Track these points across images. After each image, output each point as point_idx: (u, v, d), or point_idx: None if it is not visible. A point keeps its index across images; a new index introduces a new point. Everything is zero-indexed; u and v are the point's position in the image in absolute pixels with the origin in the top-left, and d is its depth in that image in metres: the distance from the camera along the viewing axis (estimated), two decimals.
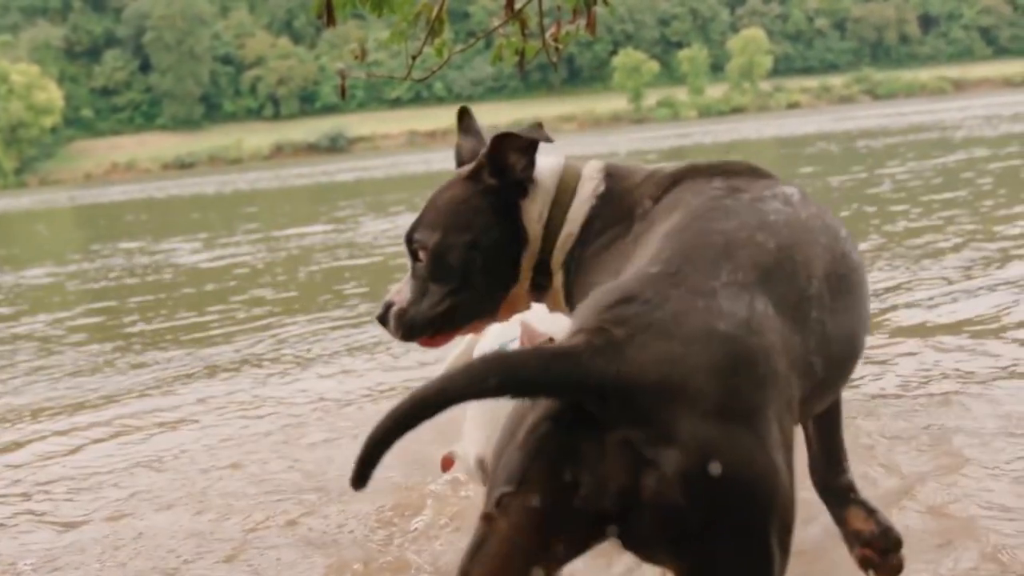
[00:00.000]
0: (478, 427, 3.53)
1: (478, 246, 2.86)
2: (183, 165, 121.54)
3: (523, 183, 2.85)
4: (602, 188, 2.81)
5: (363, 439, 1.95)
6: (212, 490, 5.16)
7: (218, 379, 7.99)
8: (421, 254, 2.94)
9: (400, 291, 3.02)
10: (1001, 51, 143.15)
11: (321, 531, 4.47)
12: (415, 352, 8.20)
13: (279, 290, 13.17)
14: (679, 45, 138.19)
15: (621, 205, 2.73)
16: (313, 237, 19.76)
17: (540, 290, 2.94)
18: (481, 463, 3.46)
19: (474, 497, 4.30)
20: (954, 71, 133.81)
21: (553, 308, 2.96)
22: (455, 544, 4.00)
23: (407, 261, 3.03)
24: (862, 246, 11.30)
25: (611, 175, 2.85)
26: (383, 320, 3.03)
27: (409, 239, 2.97)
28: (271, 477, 5.28)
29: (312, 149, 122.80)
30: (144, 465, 5.75)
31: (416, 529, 4.31)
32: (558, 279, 2.86)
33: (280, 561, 4.21)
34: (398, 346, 8.57)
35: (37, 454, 6.17)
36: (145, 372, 8.55)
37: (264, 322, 10.58)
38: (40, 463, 5.98)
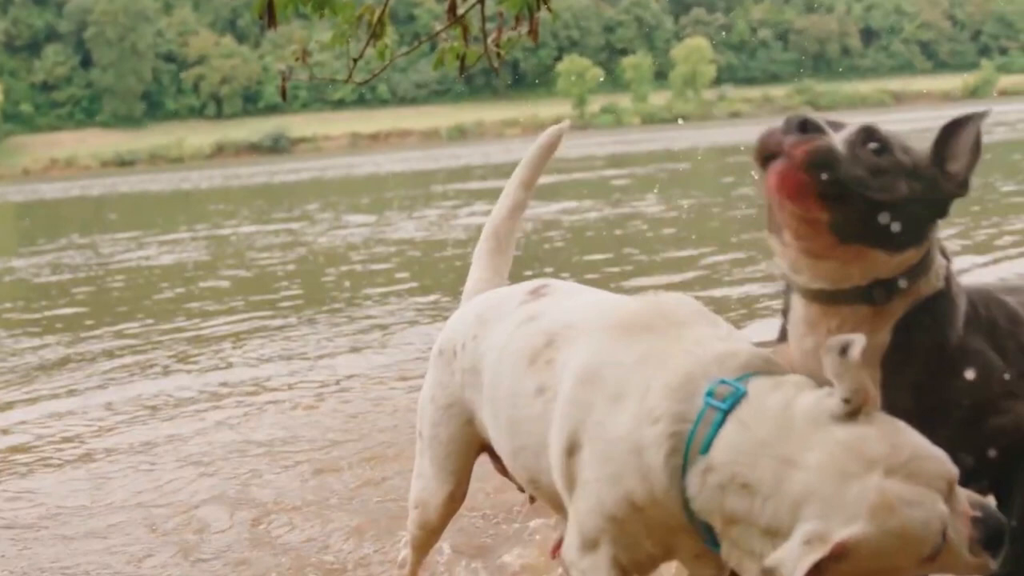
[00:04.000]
0: None
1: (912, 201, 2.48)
2: (123, 163, 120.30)
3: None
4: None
5: None
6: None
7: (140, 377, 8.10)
8: (885, 154, 2.47)
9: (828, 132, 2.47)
10: (940, 65, 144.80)
11: None
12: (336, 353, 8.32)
13: (212, 289, 13.13)
14: (623, 52, 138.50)
15: None
16: (251, 237, 19.64)
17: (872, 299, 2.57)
18: None
19: None
20: (895, 84, 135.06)
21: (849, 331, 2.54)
22: None
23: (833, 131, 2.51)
24: None
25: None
26: (801, 127, 2.43)
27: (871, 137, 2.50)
28: None
29: (254, 149, 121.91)
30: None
31: None
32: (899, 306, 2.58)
33: None
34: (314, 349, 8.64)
35: None
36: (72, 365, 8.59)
37: (192, 320, 10.62)
38: None
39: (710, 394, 2.52)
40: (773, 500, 2.37)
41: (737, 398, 2.50)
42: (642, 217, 18.47)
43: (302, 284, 12.94)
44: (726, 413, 2.48)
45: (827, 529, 2.29)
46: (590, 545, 2.74)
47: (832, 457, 2.34)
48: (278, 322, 10.23)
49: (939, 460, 2.38)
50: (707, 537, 2.55)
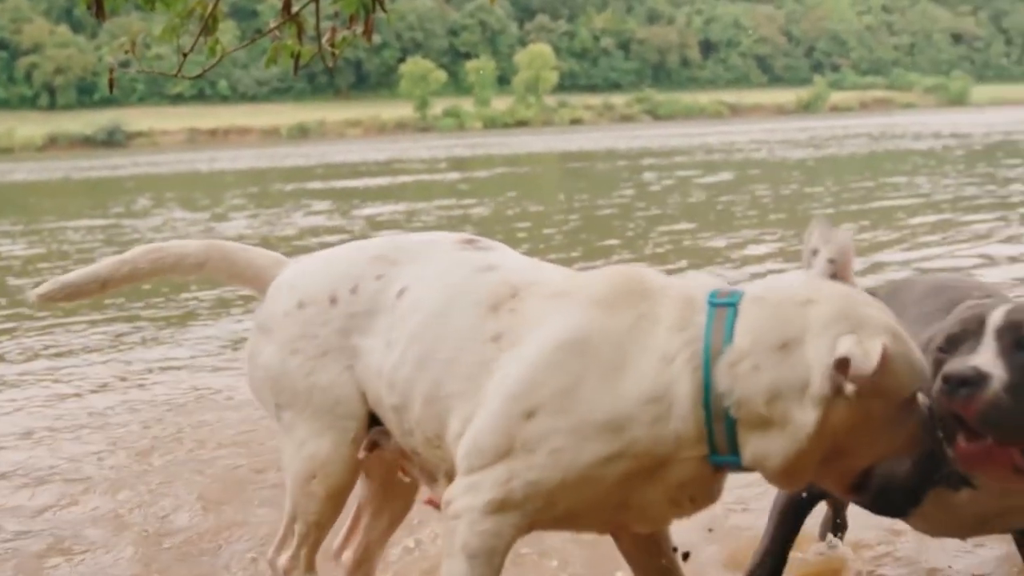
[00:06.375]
0: None
1: None
2: None
3: None
4: None
5: None
6: None
7: None
8: None
9: (990, 363, 2.61)
10: (775, 79, 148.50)
11: None
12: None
13: (28, 285, 12.91)
14: (467, 56, 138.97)
15: None
16: (76, 232, 19.25)
17: None
18: None
19: None
20: (731, 96, 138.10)
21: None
22: None
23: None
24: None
25: None
26: (966, 383, 2.58)
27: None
28: None
29: (88, 142, 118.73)
30: None
31: None
32: None
33: None
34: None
35: None
36: None
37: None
38: None
39: (713, 296, 2.68)
40: (806, 338, 2.53)
41: (740, 295, 2.67)
42: (471, 220, 18.55)
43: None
44: (735, 306, 2.64)
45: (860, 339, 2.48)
46: (503, 508, 2.72)
47: (845, 291, 2.60)
48: (93, 316, 10.12)
49: None
50: (725, 444, 2.62)
